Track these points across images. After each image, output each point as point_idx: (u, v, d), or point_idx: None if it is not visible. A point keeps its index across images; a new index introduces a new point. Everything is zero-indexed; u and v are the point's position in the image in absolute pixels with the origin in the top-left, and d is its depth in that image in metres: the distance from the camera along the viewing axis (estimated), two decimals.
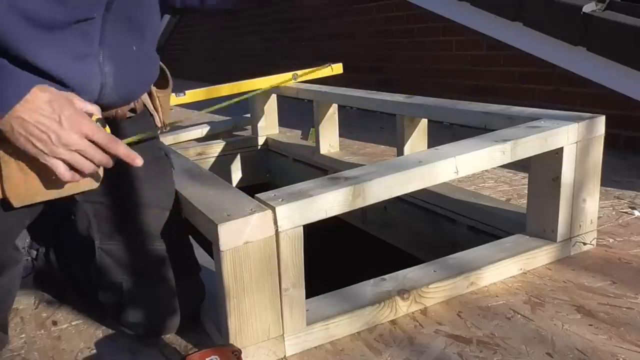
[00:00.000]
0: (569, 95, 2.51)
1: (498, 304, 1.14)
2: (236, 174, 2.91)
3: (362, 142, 2.73)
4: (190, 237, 1.20)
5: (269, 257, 0.94)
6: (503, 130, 1.26)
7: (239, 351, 0.88)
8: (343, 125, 2.56)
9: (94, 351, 1.09)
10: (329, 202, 0.98)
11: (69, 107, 0.86)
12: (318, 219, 0.98)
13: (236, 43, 6.36)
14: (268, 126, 2.90)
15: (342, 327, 1.06)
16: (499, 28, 2.77)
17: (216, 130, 3.21)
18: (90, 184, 0.97)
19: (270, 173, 2.97)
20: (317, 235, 1.63)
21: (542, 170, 1.29)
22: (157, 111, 1.19)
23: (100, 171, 0.96)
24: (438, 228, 1.82)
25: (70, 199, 1.02)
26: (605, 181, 1.51)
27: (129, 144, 0.99)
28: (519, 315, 1.09)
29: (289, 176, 2.74)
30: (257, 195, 0.99)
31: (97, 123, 0.91)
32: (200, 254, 1.43)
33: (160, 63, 1.18)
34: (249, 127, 3.07)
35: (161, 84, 1.20)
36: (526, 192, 1.37)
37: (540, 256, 1.28)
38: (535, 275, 1.25)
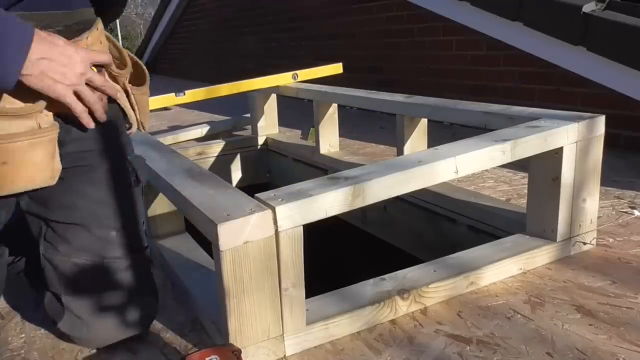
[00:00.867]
0: (569, 95, 2.52)
1: (498, 303, 1.14)
2: (236, 174, 2.91)
3: (362, 142, 2.73)
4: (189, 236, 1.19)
5: (269, 257, 0.94)
6: (503, 130, 1.26)
7: (239, 351, 0.88)
8: (343, 125, 2.56)
9: (94, 351, 1.09)
10: (329, 202, 0.98)
11: (67, 46, 0.92)
12: (318, 218, 0.98)
13: (236, 43, 6.36)
14: (268, 126, 2.90)
15: (342, 326, 1.06)
16: (499, 28, 2.77)
17: (216, 130, 3.21)
18: (45, 181, 0.97)
19: (270, 173, 2.98)
20: (317, 235, 1.63)
21: (542, 170, 1.29)
22: (133, 110, 1.14)
23: (57, 168, 0.98)
24: (438, 228, 1.82)
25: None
26: (605, 181, 1.51)
27: None
28: (519, 315, 1.09)
29: (289, 176, 2.74)
30: (256, 195, 0.99)
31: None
32: (200, 253, 1.43)
33: (135, 57, 1.15)
34: (249, 126, 3.07)
35: (137, 80, 1.15)
36: (526, 191, 1.37)
37: (540, 256, 1.28)
38: (535, 275, 1.25)
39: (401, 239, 2.03)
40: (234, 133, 3.20)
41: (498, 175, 1.99)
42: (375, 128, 3.05)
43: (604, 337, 1.00)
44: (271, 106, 2.87)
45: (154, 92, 1.39)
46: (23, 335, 1.16)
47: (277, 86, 2.62)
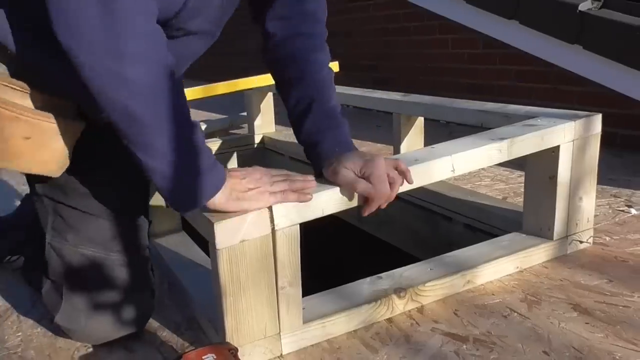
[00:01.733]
0: (565, 93, 2.52)
1: (494, 302, 1.14)
2: None
3: (358, 140, 2.72)
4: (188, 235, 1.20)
5: (266, 256, 0.94)
6: (499, 129, 1.26)
7: (236, 349, 0.88)
8: None
9: (90, 349, 1.09)
10: (326, 201, 0.98)
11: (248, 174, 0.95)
12: (314, 217, 0.98)
13: (233, 40, 6.35)
14: (264, 124, 2.90)
15: (339, 325, 1.06)
16: (496, 26, 2.77)
17: (212, 128, 3.20)
18: (52, 170, 0.99)
19: None
20: (313, 234, 1.63)
21: (539, 168, 1.29)
22: None
23: (67, 163, 1.00)
24: (434, 226, 1.82)
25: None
26: (602, 179, 1.51)
27: None
28: (516, 314, 1.09)
29: None
30: None
31: None
32: (196, 252, 1.43)
33: None
34: (246, 125, 3.07)
35: None
36: (522, 190, 1.37)
37: (537, 254, 1.28)
38: (531, 273, 1.25)
39: (398, 237, 2.03)
40: (230, 132, 3.20)
41: (495, 173, 1.99)
42: (372, 126, 3.05)
43: (601, 335, 1.00)
44: (268, 105, 2.87)
45: None
46: (20, 334, 1.16)
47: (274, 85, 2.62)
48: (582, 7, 2.25)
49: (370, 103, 2.08)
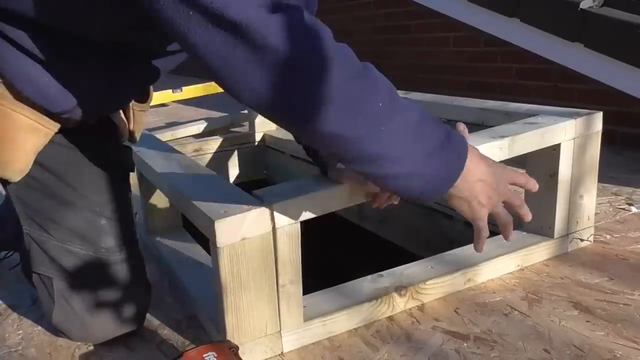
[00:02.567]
0: (566, 91, 2.52)
1: (495, 300, 1.14)
2: (233, 171, 2.91)
3: None
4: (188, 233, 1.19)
5: (266, 254, 0.94)
6: (500, 127, 1.26)
7: (236, 347, 0.88)
8: None
9: (91, 347, 1.09)
10: (327, 199, 0.98)
11: (496, 166, 0.91)
12: (315, 215, 0.98)
13: None
14: (265, 122, 2.89)
15: (340, 323, 1.06)
16: (497, 24, 2.77)
17: (213, 126, 3.20)
18: (14, 172, 0.95)
19: (268, 169, 2.97)
20: (314, 232, 1.63)
21: (539, 166, 1.29)
22: (128, 121, 1.17)
23: (28, 168, 0.97)
24: (435, 224, 1.82)
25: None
26: (603, 177, 1.51)
27: None
28: (516, 312, 1.09)
29: (287, 172, 2.74)
30: (254, 191, 0.99)
31: None
32: (197, 250, 1.43)
33: None
34: (246, 123, 3.06)
35: (141, 99, 1.21)
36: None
37: (538, 252, 1.28)
38: (532, 271, 1.25)
39: (398, 235, 2.03)
40: (231, 130, 3.20)
41: None
42: None
43: (601, 333, 1.00)
44: None
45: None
46: (20, 332, 1.16)
47: None
48: (583, 4, 2.25)
49: None
